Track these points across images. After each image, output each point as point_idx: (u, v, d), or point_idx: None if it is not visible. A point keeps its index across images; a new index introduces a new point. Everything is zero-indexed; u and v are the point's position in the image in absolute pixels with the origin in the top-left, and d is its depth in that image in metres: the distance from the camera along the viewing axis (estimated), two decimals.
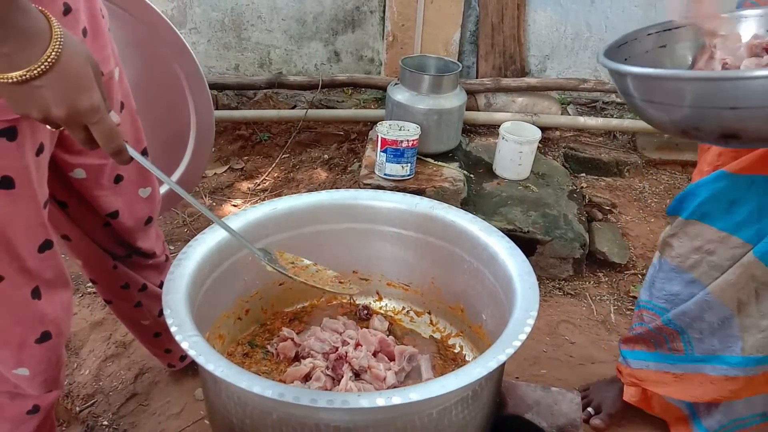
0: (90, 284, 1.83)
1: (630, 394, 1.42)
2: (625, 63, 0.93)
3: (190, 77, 1.11)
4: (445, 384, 0.80)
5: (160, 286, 1.04)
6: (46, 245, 0.87)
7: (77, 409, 1.47)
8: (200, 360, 0.83)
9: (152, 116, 0.69)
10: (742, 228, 1.11)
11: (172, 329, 0.88)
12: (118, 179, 1.06)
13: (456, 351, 1.28)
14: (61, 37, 0.62)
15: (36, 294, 0.88)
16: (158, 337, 1.41)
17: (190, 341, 0.86)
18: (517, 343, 0.88)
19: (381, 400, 0.77)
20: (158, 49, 1.08)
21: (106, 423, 1.44)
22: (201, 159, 1.27)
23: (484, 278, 1.16)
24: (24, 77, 0.60)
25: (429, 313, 1.37)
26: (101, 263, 1.19)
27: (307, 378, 1.14)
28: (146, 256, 1.24)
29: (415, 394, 0.79)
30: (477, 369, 0.82)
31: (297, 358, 1.21)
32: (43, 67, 0.61)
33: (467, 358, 1.27)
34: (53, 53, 0.61)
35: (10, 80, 0.60)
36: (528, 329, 0.91)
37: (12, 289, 0.85)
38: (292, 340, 1.20)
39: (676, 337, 1.25)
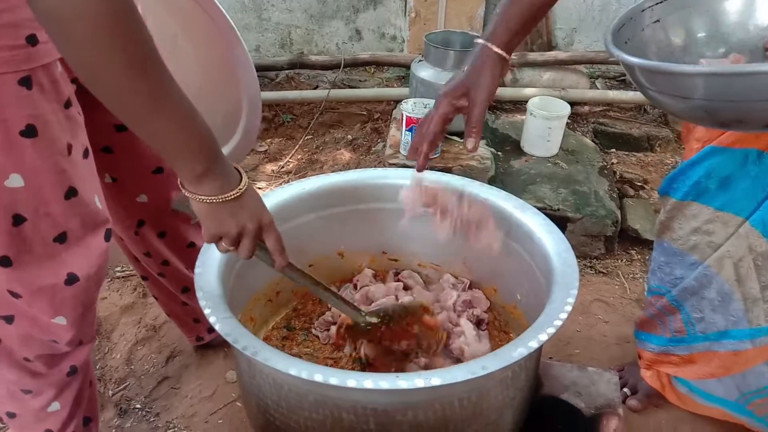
0: (118, 268, 1.85)
1: (647, 377, 1.39)
2: (626, 46, 0.89)
3: (238, 59, 1.14)
4: (486, 365, 0.78)
5: None
6: (71, 192, 0.89)
7: (110, 392, 1.48)
8: (235, 342, 0.82)
9: (205, 100, 0.72)
10: (739, 205, 1.07)
11: (206, 311, 0.87)
12: None
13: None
14: (243, 171, 0.84)
15: (60, 239, 0.90)
16: (186, 306, 1.42)
17: (223, 323, 0.85)
18: (559, 322, 0.85)
19: (420, 381, 0.75)
20: (209, 32, 1.10)
21: (138, 406, 1.45)
22: (251, 134, 1.31)
23: (519, 257, 1.13)
24: (237, 194, 0.81)
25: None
26: (126, 223, 1.20)
27: None
28: None
29: (455, 375, 0.77)
30: (519, 349, 0.80)
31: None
32: (243, 188, 0.82)
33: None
34: (244, 181, 0.83)
35: (230, 197, 0.80)
36: (569, 308, 0.88)
37: (34, 232, 0.87)
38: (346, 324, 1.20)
39: (677, 315, 1.22)
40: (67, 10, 0.61)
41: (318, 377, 0.76)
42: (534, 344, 0.81)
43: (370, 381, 0.75)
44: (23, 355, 0.98)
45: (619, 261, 1.96)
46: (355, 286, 1.33)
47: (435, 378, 0.76)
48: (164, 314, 1.66)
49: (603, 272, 1.92)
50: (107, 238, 0.98)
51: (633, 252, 1.99)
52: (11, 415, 1.05)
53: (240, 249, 0.86)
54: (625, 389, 1.44)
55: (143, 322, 1.69)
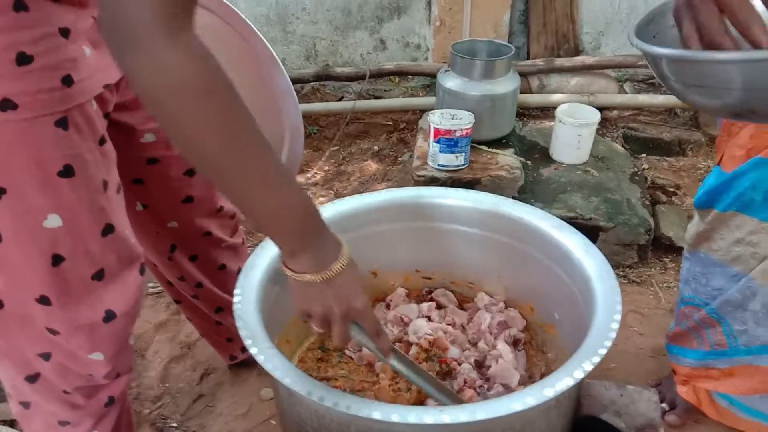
0: (151, 284, 1.87)
1: (683, 392, 1.36)
2: (654, 40, 0.85)
3: (279, 87, 1.14)
4: (531, 397, 0.77)
5: (239, 272, 1.08)
6: (108, 229, 0.89)
7: (146, 411, 1.50)
8: (277, 374, 0.82)
9: None
10: None
11: (246, 342, 0.88)
12: None
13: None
14: (347, 250, 0.81)
15: (98, 276, 0.90)
16: (219, 326, 1.42)
17: (266, 354, 0.85)
18: (603, 350, 0.84)
19: (464, 415, 0.75)
20: (249, 61, 1.11)
21: (175, 425, 1.46)
22: (294, 163, 1.32)
23: (556, 277, 1.12)
24: (326, 276, 0.78)
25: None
26: (158, 249, 1.20)
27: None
28: (230, 217, 1.25)
29: (499, 408, 0.76)
30: (565, 379, 0.78)
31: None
32: (336, 271, 0.78)
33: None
34: (339, 264, 0.79)
35: (317, 279, 0.78)
36: (613, 335, 0.87)
37: (73, 271, 0.87)
38: None
39: (717, 328, 1.19)
40: (164, 88, 0.62)
41: (363, 412, 0.75)
42: (579, 374, 0.80)
43: (413, 415, 0.75)
44: (63, 388, 0.99)
45: (653, 269, 1.93)
46: (388, 306, 1.32)
47: (480, 412, 0.75)
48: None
49: (636, 282, 1.89)
50: (142, 272, 0.98)
51: (667, 260, 1.96)
52: None
53: (332, 334, 0.83)
54: (663, 404, 1.41)
55: (177, 339, 1.70)
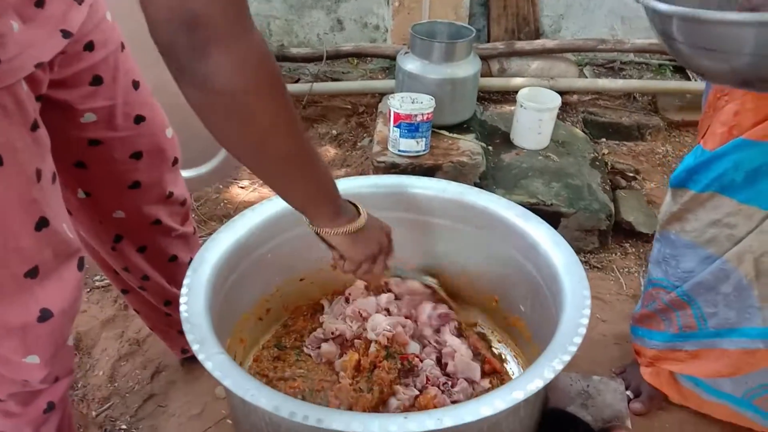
0: (98, 277, 1.77)
1: (647, 374, 1.35)
2: None
3: None
4: (500, 400, 0.73)
5: (191, 263, 1.02)
6: (42, 223, 0.82)
7: (93, 413, 1.41)
8: (227, 383, 0.75)
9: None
10: (766, 199, 1.02)
11: (194, 347, 0.81)
12: (138, 120, 1.01)
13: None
14: (358, 203, 0.94)
15: (32, 273, 0.83)
16: (169, 317, 1.35)
17: (215, 360, 0.79)
18: (573, 348, 0.81)
19: (431, 422, 0.70)
20: None
21: (124, 427, 1.38)
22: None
23: (522, 268, 1.08)
24: (366, 218, 0.91)
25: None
26: (102, 238, 1.13)
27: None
28: (180, 204, 1.18)
29: (469, 413, 0.71)
30: (535, 381, 0.75)
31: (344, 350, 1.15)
32: (365, 215, 0.91)
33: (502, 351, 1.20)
34: (362, 208, 0.92)
35: (357, 228, 0.89)
36: (583, 330, 0.83)
37: (3, 269, 0.80)
38: (332, 339, 1.14)
39: (687, 310, 1.18)
40: (244, 83, 0.63)
41: (322, 423, 0.70)
42: (549, 374, 0.76)
43: (377, 424, 0.70)
44: None
45: (614, 255, 1.93)
46: (347, 299, 1.27)
47: (447, 418, 0.70)
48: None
49: (597, 267, 1.88)
50: (80, 267, 0.90)
51: (627, 245, 1.96)
52: None
53: (377, 267, 0.97)
54: (628, 392, 1.40)
55: (126, 336, 1.61)
